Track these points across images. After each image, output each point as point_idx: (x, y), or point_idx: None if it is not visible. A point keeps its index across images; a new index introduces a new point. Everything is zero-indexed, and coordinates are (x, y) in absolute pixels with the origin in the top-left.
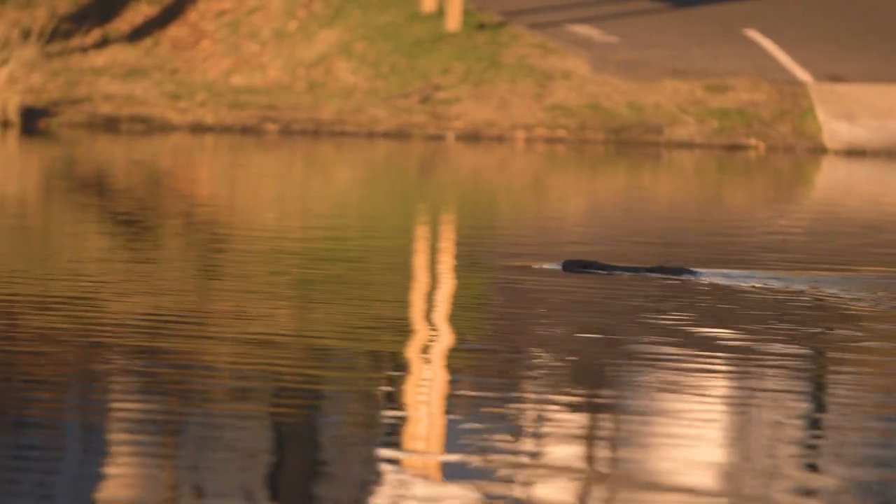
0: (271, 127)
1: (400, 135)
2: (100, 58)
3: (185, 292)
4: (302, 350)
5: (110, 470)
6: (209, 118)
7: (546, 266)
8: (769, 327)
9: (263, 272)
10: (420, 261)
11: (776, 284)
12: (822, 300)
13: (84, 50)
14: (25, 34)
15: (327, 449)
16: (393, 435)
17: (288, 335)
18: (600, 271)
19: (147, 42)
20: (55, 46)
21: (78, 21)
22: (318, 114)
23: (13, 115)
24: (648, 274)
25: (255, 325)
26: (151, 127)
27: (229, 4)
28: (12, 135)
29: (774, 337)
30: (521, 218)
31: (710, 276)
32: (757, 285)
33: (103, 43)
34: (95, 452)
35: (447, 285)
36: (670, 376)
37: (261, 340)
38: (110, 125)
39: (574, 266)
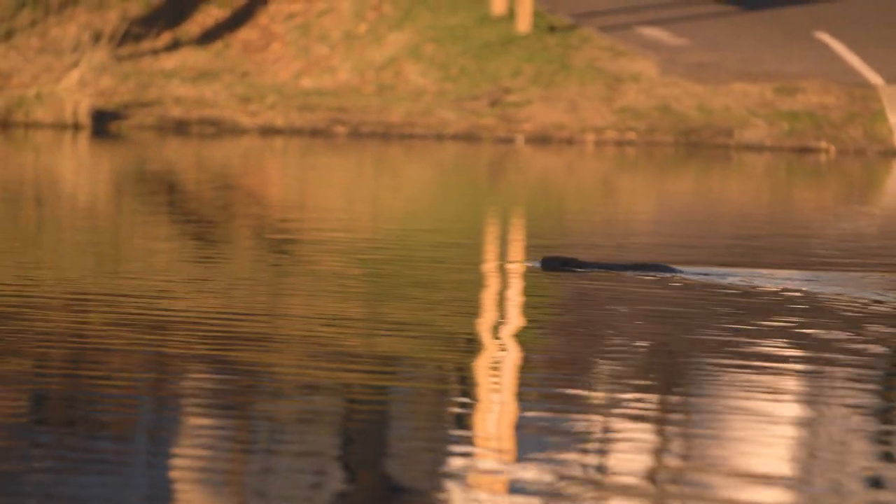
0: (341, 129)
1: (469, 137)
2: (170, 60)
3: (254, 294)
4: (370, 351)
5: (177, 472)
6: (279, 121)
7: (526, 264)
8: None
9: (333, 273)
10: (483, 262)
11: (768, 284)
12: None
13: (155, 53)
14: (96, 37)
15: (396, 452)
16: (462, 443)
17: (356, 335)
18: (578, 269)
19: (217, 45)
20: (126, 49)
21: (149, 24)
22: (387, 116)
23: (84, 118)
24: (626, 272)
25: (325, 325)
26: (222, 129)
27: (299, 7)
28: (83, 137)
29: (831, 337)
30: (588, 220)
31: (688, 275)
32: (757, 284)
33: (174, 46)
34: (164, 453)
35: (512, 286)
36: (737, 382)
37: (330, 341)
38: (181, 128)
39: (552, 263)
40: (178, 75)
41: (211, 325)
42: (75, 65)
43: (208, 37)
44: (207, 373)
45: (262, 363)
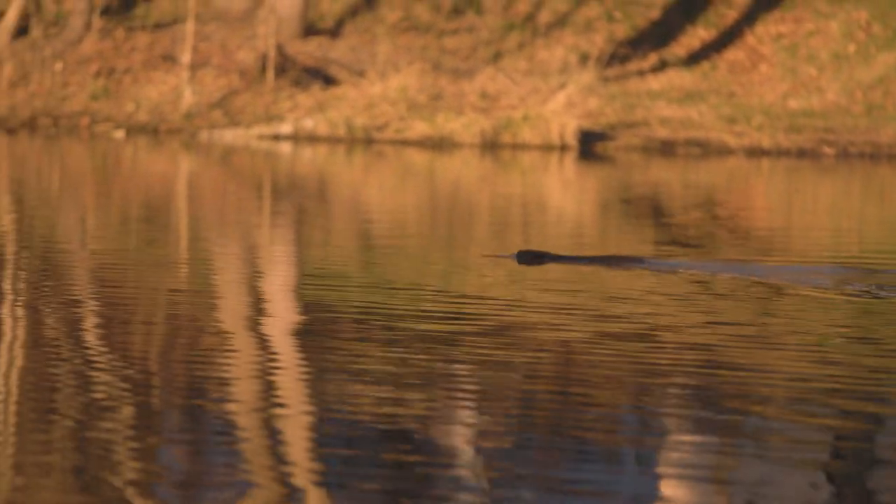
0: (828, 150)
1: None
2: (656, 82)
3: (737, 309)
4: (857, 370)
5: (665, 484)
6: (765, 142)
7: (500, 255)
8: None
9: (813, 297)
10: None
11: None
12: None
13: (641, 74)
14: (584, 59)
15: (885, 472)
16: None
17: (843, 354)
18: (553, 261)
19: (704, 66)
20: (613, 71)
21: (635, 46)
22: (876, 137)
23: (571, 139)
24: (599, 264)
25: (810, 348)
26: (707, 151)
27: (787, 28)
28: (570, 158)
29: None
30: None
31: (660, 266)
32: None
33: (660, 67)
34: (650, 464)
35: None
36: None
37: (817, 360)
38: (666, 149)
39: (527, 256)
40: (665, 96)
41: (692, 341)
42: (562, 87)
43: (694, 58)
44: (687, 388)
45: (748, 369)
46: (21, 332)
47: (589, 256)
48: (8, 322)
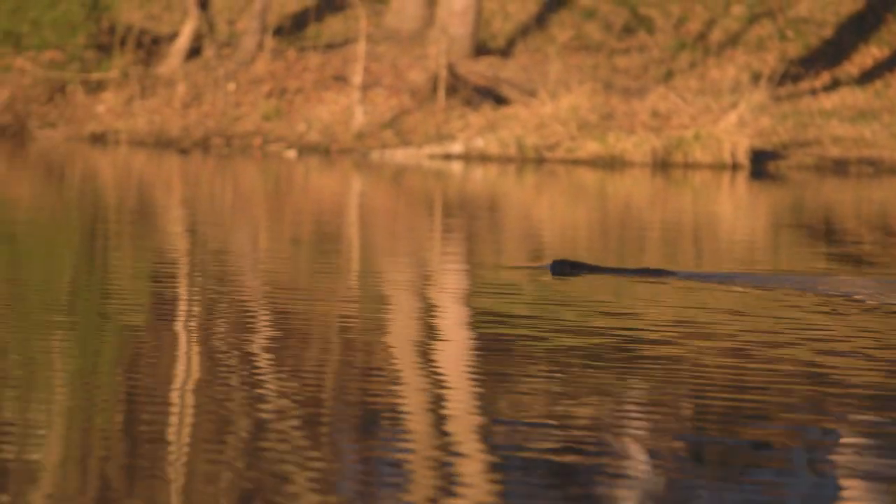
0: None
1: None
2: (829, 100)
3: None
4: None
5: (839, 487)
6: None
7: (535, 265)
8: None
9: None
10: None
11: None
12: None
13: (813, 93)
14: (755, 77)
15: None
16: None
17: None
18: (587, 272)
19: (877, 84)
20: (784, 89)
21: (807, 64)
22: None
23: (742, 158)
24: (633, 275)
25: None
26: (880, 169)
27: None
28: (741, 178)
29: None
30: None
31: (694, 278)
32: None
33: (832, 85)
34: (824, 468)
35: None
36: None
37: None
38: (839, 168)
39: (562, 267)
40: (837, 115)
41: (861, 352)
42: (734, 106)
43: (867, 76)
44: (858, 395)
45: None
46: (195, 351)
47: (625, 268)
48: (182, 341)
